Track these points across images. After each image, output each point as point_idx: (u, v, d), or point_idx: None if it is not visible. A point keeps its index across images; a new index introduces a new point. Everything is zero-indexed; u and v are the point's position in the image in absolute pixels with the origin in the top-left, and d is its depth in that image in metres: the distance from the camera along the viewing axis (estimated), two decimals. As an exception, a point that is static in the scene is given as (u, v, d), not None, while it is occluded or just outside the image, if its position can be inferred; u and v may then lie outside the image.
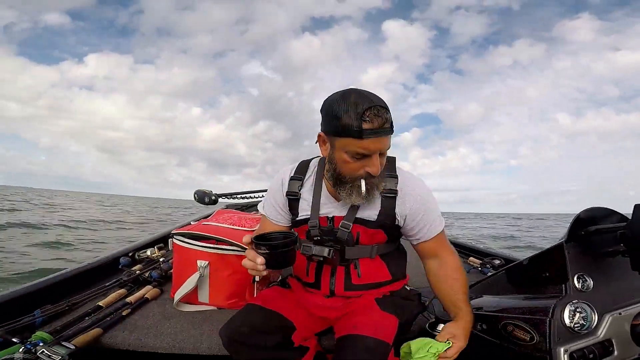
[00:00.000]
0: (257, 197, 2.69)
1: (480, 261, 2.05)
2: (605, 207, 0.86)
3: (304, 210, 1.00)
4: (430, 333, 1.02)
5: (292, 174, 1.03)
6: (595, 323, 0.83)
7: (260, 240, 0.77)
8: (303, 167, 1.05)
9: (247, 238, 0.79)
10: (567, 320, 0.82)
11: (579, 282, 0.85)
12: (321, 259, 0.95)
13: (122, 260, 1.71)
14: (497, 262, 1.98)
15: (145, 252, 1.85)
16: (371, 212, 0.95)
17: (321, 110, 0.87)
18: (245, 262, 0.80)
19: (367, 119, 0.78)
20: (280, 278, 1.21)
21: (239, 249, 1.27)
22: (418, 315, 1.07)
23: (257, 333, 0.87)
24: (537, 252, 0.94)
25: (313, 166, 1.04)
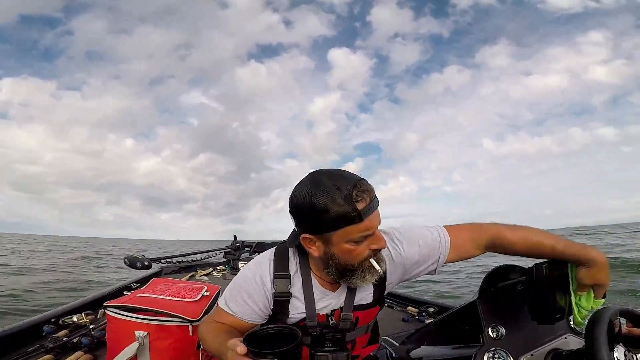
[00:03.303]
0: (194, 260, 2.65)
1: (417, 310, 2.18)
2: (511, 264, 0.95)
3: (297, 309, 0.90)
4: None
5: (274, 273, 0.90)
6: None
7: (254, 342, 0.63)
8: (283, 260, 0.91)
9: (241, 349, 0.62)
10: None
11: (493, 332, 0.92)
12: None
13: (45, 327, 1.63)
14: (431, 309, 2.15)
15: (72, 317, 1.78)
16: (366, 294, 0.93)
17: (294, 211, 0.80)
18: None
19: (359, 198, 0.73)
20: None
21: (179, 320, 1.24)
22: None
23: None
24: (457, 307, 1.01)
25: (294, 260, 0.92)
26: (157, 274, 2.82)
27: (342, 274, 0.82)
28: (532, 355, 0.93)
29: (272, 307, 0.91)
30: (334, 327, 0.91)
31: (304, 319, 0.90)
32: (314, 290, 0.91)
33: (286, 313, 0.90)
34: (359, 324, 0.95)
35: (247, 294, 0.90)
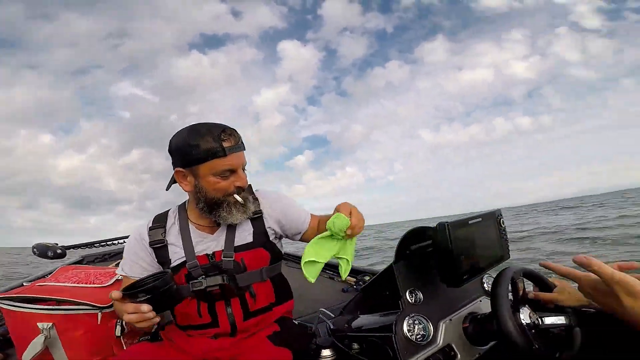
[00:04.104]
0: (118, 244, 2.41)
1: (355, 279, 2.15)
2: (424, 226, 0.93)
3: (176, 254, 0.96)
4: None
5: (150, 225, 1.00)
6: (432, 332, 0.88)
7: (133, 289, 0.73)
8: (160, 217, 1.02)
9: (115, 294, 0.74)
10: (408, 334, 0.85)
11: (411, 296, 0.89)
12: (217, 288, 0.92)
13: None
14: (367, 277, 2.10)
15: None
16: (246, 235, 0.99)
17: (171, 149, 0.91)
18: (130, 317, 0.74)
19: (225, 138, 0.86)
20: (154, 329, 1.07)
21: (86, 307, 1.12)
22: (308, 344, 1.08)
23: None
24: (379, 273, 0.97)
25: (173, 214, 1.02)
26: (78, 263, 2.55)
27: (210, 207, 0.91)
28: (450, 320, 0.91)
29: (156, 258, 0.97)
30: (218, 267, 0.93)
31: (185, 263, 0.94)
32: (191, 234, 0.97)
33: (168, 260, 0.96)
34: (248, 268, 0.97)
35: (133, 252, 0.98)
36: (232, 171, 0.89)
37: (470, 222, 0.81)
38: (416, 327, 0.87)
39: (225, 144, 0.86)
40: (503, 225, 0.92)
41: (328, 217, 0.94)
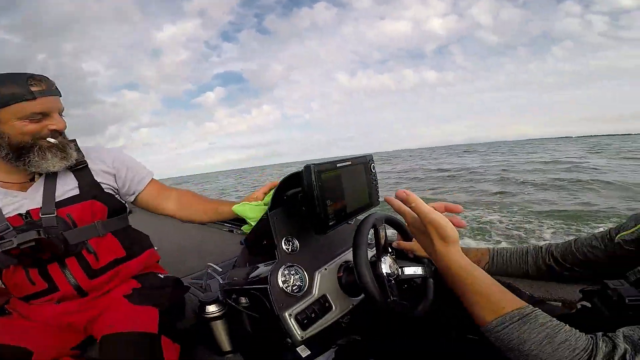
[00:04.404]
0: None
1: None
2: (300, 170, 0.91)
3: None
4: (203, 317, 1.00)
5: None
6: (307, 283, 0.88)
7: None
8: None
9: None
10: (283, 285, 0.84)
11: (287, 245, 0.89)
12: (33, 244, 0.78)
13: None
14: None
15: None
16: (69, 187, 0.90)
17: None
18: None
19: (34, 83, 0.79)
20: None
21: None
22: (183, 297, 1.04)
23: None
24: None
25: None
26: None
27: (18, 154, 0.82)
28: (326, 269, 0.92)
29: None
30: (37, 226, 0.81)
31: None
32: None
33: None
34: (79, 223, 0.89)
35: None
36: (45, 115, 0.82)
37: (338, 165, 0.81)
38: (292, 277, 0.87)
39: (34, 88, 0.79)
40: (374, 171, 0.93)
41: (170, 190, 1.06)
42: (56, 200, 0.86)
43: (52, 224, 0.83)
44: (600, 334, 0.44)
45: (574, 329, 0.45)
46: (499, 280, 0.82)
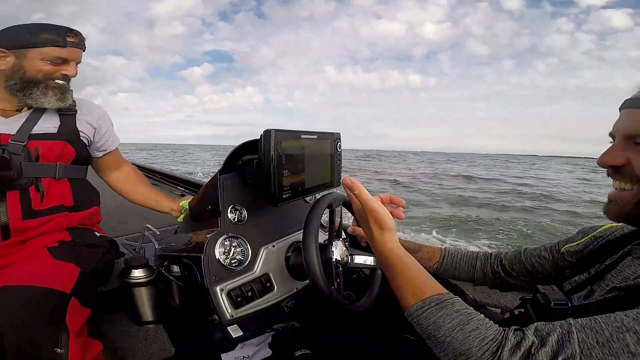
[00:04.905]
0: None
1: None
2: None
3: None
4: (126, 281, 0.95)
5: None
6: (250, 258, 0.80)
7: None
8: None
9: None
10: (221, 257, 0.75)
11: (233, 213, 0.80)
12: None
13: None
14: None
15: None
16: (49, 125, 0.91)
17: (2, 30, 0.86)
18: None
19: (71, 35, 0.88)
20: None
21: None
22: (113, 261, 0.95)
23: None
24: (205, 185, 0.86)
25: None
26: None
27: (24, 85, 0.86)
28: (273, 246, 0.84)
29: None
30: (2, 149, 0.83)
31: None
32: None
33: None
34: (41, 160, 0.88)
35: None
36: (65, 61, 0.89)
37: (302, 136, 0.74)
38: (233, 249, 0.78)
39: (69, 39, 0.88)
40: (339, 150, 0.87)
41: (126, 162, 1.17)
42: (30, 133, 0.88)
43: (16, 152, 0.84)
44: (513, 327, 0.44)
45: (487, 319, 0.45)
46: (446, 282, 0.81)
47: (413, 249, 0.82)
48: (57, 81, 0.89)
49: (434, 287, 0.50)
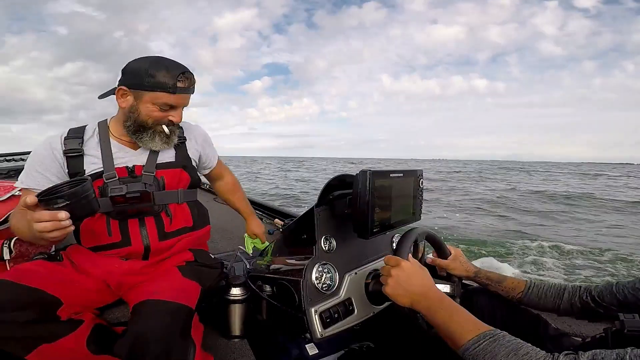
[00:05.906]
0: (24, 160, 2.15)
1: (283, 222, 2.13)
2: (352, 174, 0.93)
3: (93, 164, 0.92)
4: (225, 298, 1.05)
5: (65, 135, 0.94)
6: (337, 283, 0.89)
7: (49, 195, 0.67)
8: (77, 129, 0.97)
9: (31, 199, 0.66)
10: (315, 281, 0.86)
11: (325, 243, 0.90)
12: (138, 194, 0.90)
13: None
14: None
15: None
16: (168, 155, 1.01)
17: (125, 69, 0.92)
18: (44, 226, 0.67)
19: (181, 80, 0.90)
20: (53, 249, 1.01)
21: None
22: (220, 281, 1.06)
23: (3, 310, 0.72)
24: (299, 215, 0.98)
25: (92, 128, 0.98)
26: None
27: (137, 129, 0.93)
28: (355, 273, 0.94)
29: (67, 169, 0.91)
30: (139, 180, 0.92)
31: (102, 174, 0.91)
32: (112, 147, 0.95)
33: (82, 171, 0.91)
34: (167, 187, 0.97)
35: (39, 163, 0.91)
36: (173, 107, 0.93)
37: (391, 174, 0.83)
38: (324, 275, 0.88)
39: (179, 84, 0.90)
40: (422, 186, 0.95)
41: (227, 170, 1.30)
42: (157, 163, 0.97)
43: (149, 182, 0.94)
44: (565, 352, 0.49)
45: (537, 348, 0.51)
46: (528, 311, 0.86)
47: (496, 280, 0.88)
48: (164, 127, 0.94)
49: (484, 325, 0.58)
